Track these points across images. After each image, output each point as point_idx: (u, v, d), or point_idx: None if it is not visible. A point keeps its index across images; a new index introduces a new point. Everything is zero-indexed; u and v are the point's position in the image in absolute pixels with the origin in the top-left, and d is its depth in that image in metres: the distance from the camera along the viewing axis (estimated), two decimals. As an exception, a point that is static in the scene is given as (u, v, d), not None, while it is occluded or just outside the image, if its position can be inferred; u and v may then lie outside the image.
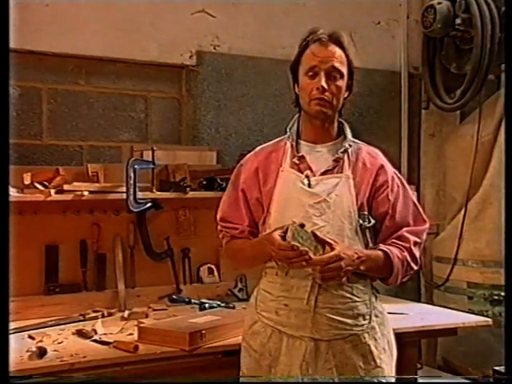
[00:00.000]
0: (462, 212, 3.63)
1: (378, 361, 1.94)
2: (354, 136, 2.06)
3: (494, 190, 3.47)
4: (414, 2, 4.02)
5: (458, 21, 3.48)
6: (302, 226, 1.81)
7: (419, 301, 3.79)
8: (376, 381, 1.94)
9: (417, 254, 1.99)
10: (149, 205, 2.89)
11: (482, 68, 3.45)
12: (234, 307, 2.89)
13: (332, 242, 1.83)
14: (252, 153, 2.11)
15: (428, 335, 3.02)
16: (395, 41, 4.00)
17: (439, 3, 3.50)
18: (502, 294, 3.32)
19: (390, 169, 2.03)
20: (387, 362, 1.97)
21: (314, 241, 1.81)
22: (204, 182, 3.04)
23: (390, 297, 3.22)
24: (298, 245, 1.76)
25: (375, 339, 1.95)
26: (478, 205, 3.58)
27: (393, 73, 3.99)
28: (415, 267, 2.00)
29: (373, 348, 1.93)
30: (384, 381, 1.95)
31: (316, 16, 3.53)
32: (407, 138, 4.01)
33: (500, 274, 3.27)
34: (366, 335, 1.93)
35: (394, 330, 2.10)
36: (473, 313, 3.28)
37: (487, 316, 3.13)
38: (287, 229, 1.80)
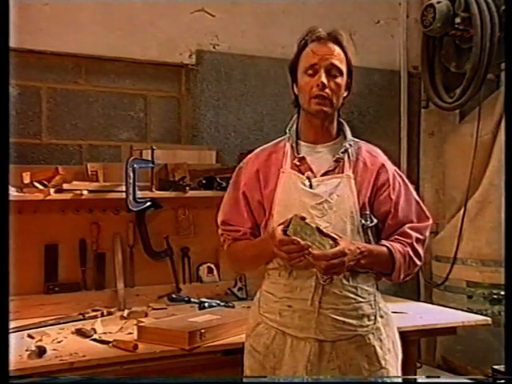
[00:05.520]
0: (462, 211, 3.63)
1: (382, 362, 1.92)
2: (353, 135, 2.05)
3: (494, 189, 3.47)
4: (413, 1, 4.02)
5: (458, 20, 3.48)
6: (303, 218, 1.78)
7: (418, 300, 3.78)
8: (380, 381, 1.92)
9: (420, 250, 1.97)
10: (148, 204, 2.89)
11: (482, 67, 3.44)
12: (233, 306, 2.89)
13: (337, 236, 1.81)
14: (252, 154, 2.09)
15: (427, 334, 3.02)
16: (395, 40, 4.01)
17: (439, 2, 3.49)
18: (502, 293, 3.32)
19: (390, 167, 2.02)
20: (392, 363, 1.95)
21: (318, 236, 1.79)
22: (203, 181, 3.04)
23: (390, 296, 3.21)
24: (299, 239, 1.74)
25: (380, 340, 1.93)
26: (478, 204, 3.58)
27: (392, 72, 3.99)
28: (418, 263, 1.98)
29: (378, 349, 1.92)
30: (388, 381, 1.93)
31: (315, 15, 3.53)
32: (406, 137, 4.01)
33: (499, 273, 3.27)
34: (371, 336, 1.92)
35: (393, 329, 2.10)
36: (472, 312, 3.29)
37: (486, 315, 3.13)
38: (289, 223, 1.78)
